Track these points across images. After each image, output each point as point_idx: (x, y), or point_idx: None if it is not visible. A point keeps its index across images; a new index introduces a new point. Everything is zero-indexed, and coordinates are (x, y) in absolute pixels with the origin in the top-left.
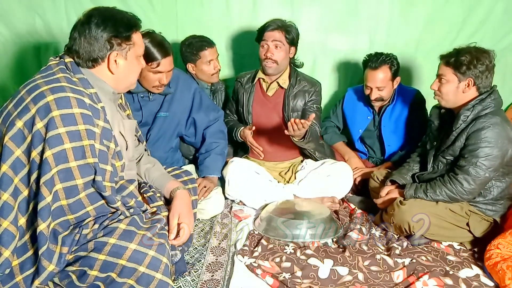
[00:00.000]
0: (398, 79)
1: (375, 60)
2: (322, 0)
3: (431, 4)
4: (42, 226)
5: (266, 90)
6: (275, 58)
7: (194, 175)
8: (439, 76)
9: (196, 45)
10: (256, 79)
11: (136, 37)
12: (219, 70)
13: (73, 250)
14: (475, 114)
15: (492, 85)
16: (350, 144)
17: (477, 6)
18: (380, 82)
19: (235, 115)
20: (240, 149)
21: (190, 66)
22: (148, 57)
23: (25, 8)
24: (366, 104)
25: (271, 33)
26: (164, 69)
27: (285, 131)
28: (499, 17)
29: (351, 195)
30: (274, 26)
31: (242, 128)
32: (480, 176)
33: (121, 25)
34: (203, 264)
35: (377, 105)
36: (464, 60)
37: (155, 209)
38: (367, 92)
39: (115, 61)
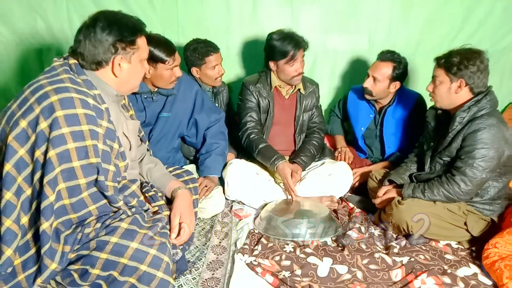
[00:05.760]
0: (397, 84)
1: (386, 53)
2: (322, 0)
3: (431, 4)
4: (45, 225)
5: (283, 94)
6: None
7: (195, 175)
8: (433, 78)
9: (201, 51)
10: (273, 87)
11: (141, 41)
12: (223, 74)
13: (75, 249)
14: (471, 115)
15: (488, 86)
16: (353, 143)
17: (477, 6)
18: (378, 73)
19: (258, 121)
20: (243, 153)
21: (194, 70)
22: (162, 59)
23: (26, 9)
24: (368, 102)
25: (301, 52)
26: (178, 62)
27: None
28: (498, 17)
29: (350, 194)
30: (303, 45)
31: (283, 162)
32: (477, 177)
33: (126, 30)
34: (204, 263)
35: (368, 97)
36: (455, 60)
37: (156, 208)
38: (365, 80)
39: (119, 64)
